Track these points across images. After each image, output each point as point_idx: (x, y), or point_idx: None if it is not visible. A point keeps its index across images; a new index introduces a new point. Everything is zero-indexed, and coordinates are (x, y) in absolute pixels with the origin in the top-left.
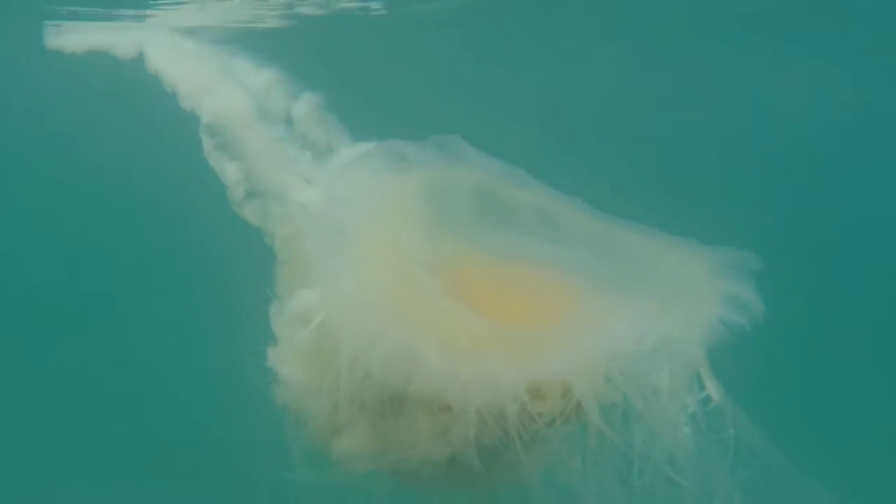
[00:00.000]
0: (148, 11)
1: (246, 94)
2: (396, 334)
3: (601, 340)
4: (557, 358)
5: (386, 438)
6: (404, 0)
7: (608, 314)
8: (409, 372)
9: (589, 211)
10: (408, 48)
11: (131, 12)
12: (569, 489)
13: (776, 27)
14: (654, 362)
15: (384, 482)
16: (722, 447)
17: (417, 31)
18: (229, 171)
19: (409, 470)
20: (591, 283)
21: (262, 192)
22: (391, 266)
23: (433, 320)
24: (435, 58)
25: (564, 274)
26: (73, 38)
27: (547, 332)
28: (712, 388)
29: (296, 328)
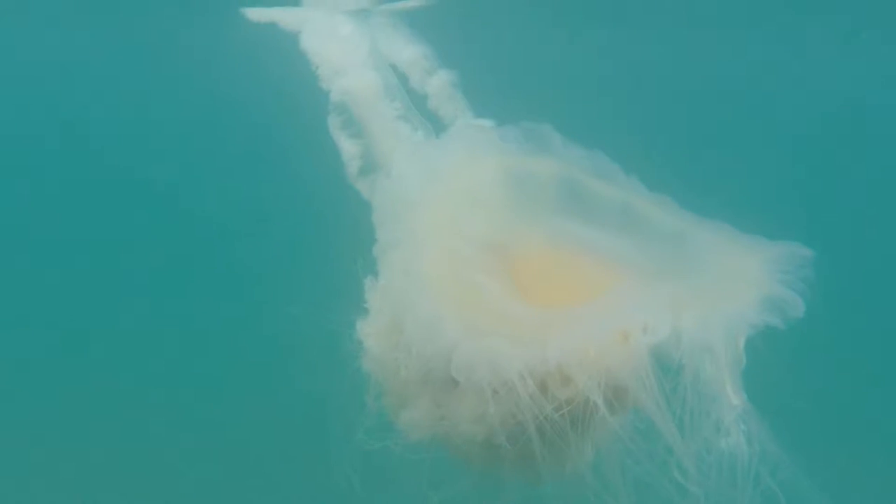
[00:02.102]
0: None
1: (379, 73)
2: (428, 311)
3: (640, 329)
4: (589, 343)
5: (441, 414)
6: None
7: (652, 306)
8: (436, 348)
9: (670, 207)
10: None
11: None
12: (602, 480)
13: None
14: (691, 357)
15: (436, 453)
16: (747, 451)
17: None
18: (348, 148)
19: (456, 445)
20: (648, 275)
21: (376, 169)
22: (447, 245)
23: (471, 301)
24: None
25: (624, 267)
26: (260, 13)
27: (583, 317)
28: (738, 391)
29: (382, 302)
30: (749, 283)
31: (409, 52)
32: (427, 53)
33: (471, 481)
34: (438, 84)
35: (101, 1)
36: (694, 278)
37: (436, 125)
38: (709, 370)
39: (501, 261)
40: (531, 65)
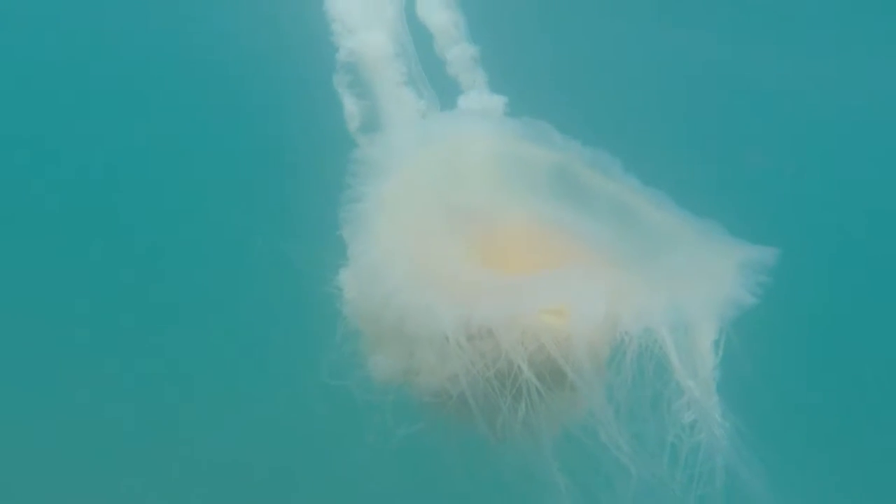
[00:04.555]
0: None
1: (394, 35)
2: (375, 258)
3: (576, 307)
4: (519, 311)
5: (405, 361)
6: None
7: (593, 288)
8: (379, 295)
9: (663, 203)
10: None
11: None
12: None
13: None
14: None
15: (400, 398)
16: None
17: None
18: (350, 106)
19: (415, 393)
20: (613, 262)
21: (376, 128)
22: (416, 202)
23: (423, 256)
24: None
25: (596, 253)
26: None
27: (522, 286)
28: (687, 378)
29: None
30: (708, 282)
31: (441, 17)
32: (459, 22)
33: (426, 426)
34: (460, 55)
35: None
36: (656, 271)
37: (450, 94)
38: (659, 355)
39: (472, 229)
40: (566, 55)
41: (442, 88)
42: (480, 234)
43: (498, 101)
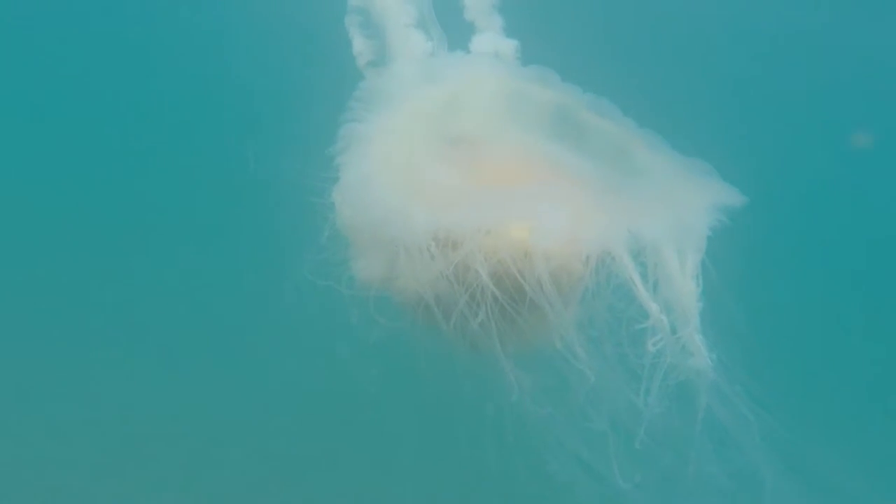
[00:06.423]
0: None
1: None
2: (363, 170)
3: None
4: (485, 220)
5: (387, 267)
6: None
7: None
8: (363, 204)
9: (655, 144)
10: None
11: None
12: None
13: None
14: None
15: (380, 298)
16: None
17: None
18: (359, 45)
19: (395, 296)
20: (597, 192)
21: (383, 65)
22: (417, 134)
23: (410, 170)
24: None
25: (580, 181)
26: None
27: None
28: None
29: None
30: (679, 214)
31: None
32: None
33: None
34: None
35: None
36: (630, 201)
37: (465, 38)
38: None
39: (462, 154)
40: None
41: (458, 32)
42: (470, 160)
43: (509, 45)
